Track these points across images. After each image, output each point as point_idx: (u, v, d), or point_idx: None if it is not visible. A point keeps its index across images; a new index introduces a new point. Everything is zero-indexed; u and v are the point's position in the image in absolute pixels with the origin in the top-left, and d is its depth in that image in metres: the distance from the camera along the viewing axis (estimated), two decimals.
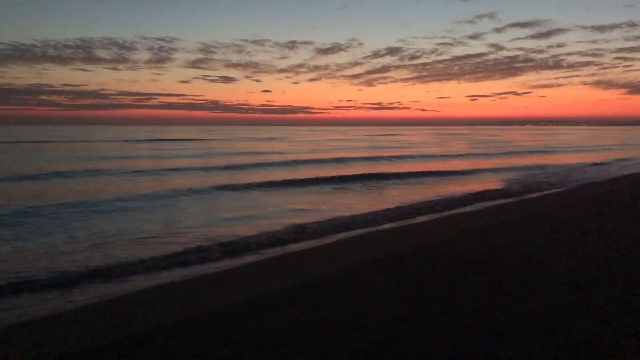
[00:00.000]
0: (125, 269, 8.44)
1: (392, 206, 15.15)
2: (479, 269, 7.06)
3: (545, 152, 47.94)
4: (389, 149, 49.42)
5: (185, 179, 23.09)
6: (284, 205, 15.79)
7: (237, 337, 5.01)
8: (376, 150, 48.07)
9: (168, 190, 18.31)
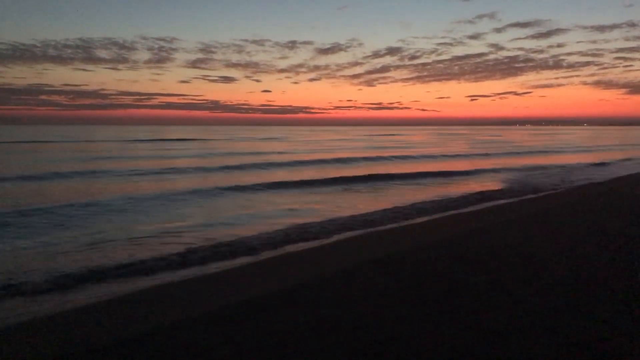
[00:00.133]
0: (125, 269, 8.43)
1: (392, 206, 15.14)
2: (479, 269, 7.06)
3: (546, 152, 47.90)
4: (390, 149, 49.32)
5: (186, 179, 23.09)
6: (288, 205, 15.79)
7: (237, 337, 5.01)
8: (378, 150, 47.93)
9: (170, 191, 18.30)
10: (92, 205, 14.97)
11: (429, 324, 5.06)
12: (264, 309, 5.84)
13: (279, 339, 4.86)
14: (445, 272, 7.04)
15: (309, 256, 9.39)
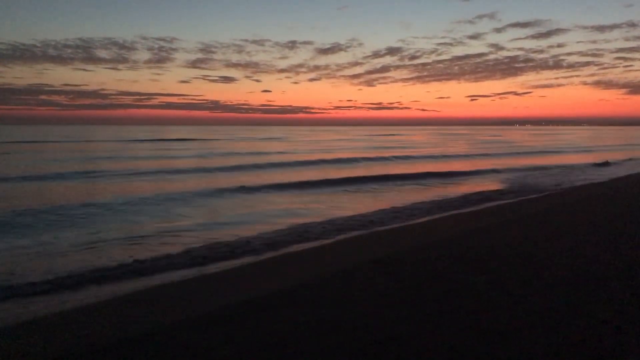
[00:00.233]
0: (125, 269, 8.43)
1: (392, 206, 15.14)
2: (479, 269, 7.06)
3: (546, 152, 47.85)
4: (391, 150, 49.22)
5: (188, 180, 23.10)
6: (288, 206, 15.79)
7: (237, 337, 5.01)
8: (379, 150, 47.83)
9: (172, 192, 18.31)
10: (92, 205, 14.97)
11: (429, 324, 5.06)
12: (264, 309, 5.84)
13: (279, 339, 4.86)
14: (445, 272, 7.03)
15: (309, 256, 9.39)
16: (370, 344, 4.63)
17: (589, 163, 33.01)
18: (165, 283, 7.79)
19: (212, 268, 8.64)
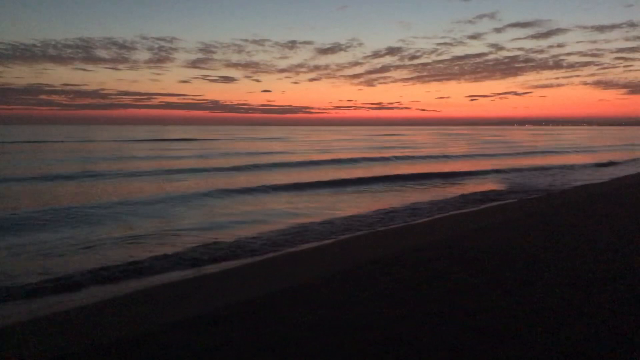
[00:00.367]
0: (125, 270, 8.44)
1: (393, 206, 15.14)
2: (479, 269, 7.06)
3: (548, 152, 47.78)
4: (393, 150, 49.12)
5: (191, 181, 23.12)
6: (289, 206, 15.80)
7: (237, 337, 5.01)
8: (381, 150, 47.70)
9: (180, 192, 18.32)
10: (92, 206, 14.98)
11: (429, 324, 5.05)
12: (264, 309, 5.84)
13: (279, 339, 4.86)
14: (445, 272, 7.03)
15: (309, 256, 9.40)
16: (370, 344, 4.63)
17: (591, 163, 33.01)
18: (165, 283, 7.79)
19: (212, 268, 8.65)
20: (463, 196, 17.51)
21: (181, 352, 4.70)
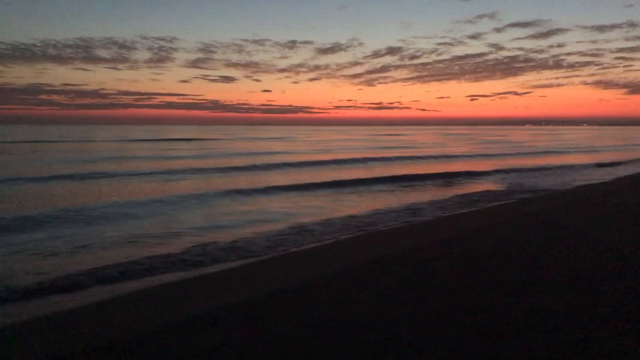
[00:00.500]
0: (125, 270, 8.44)
1: (393, 206, 15.15)
2: (479, 269, 7.06)
3: (550, 152, 47.68)
4: (394, 150, 48.99)
5: (192, 181, 23.13)
6: (290, 206, 15.79)
7: (237, 337, 5.01)
8: (383, 151, 47.61)
9: (178, 193, 18.30)
10: (92, 207, 14.99)
11: (429, 324, 5.05)
12: (264, 309, 5.85)
13: (279, 339, 4.87)
14: (445, 272, 7.03)
15: (309, 256, 9.40)
16: (370, 344, 4.63)
17: (591, 163, 32.99)
18: (165, 283, 7.79)
19: (212, 268, 8.65)
20: (463, 196, 17.51)
21: (181, 351, 4.70)
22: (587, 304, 5.46)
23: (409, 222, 12.78)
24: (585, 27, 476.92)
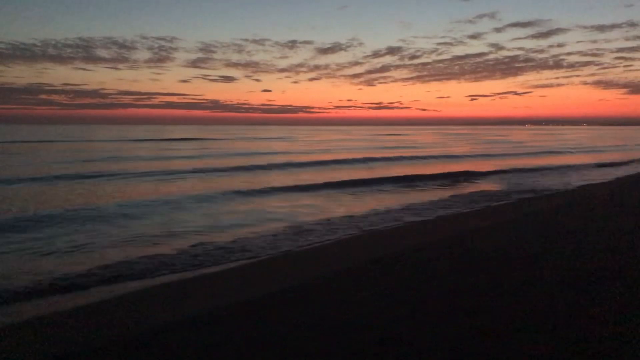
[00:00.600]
0: (125, 270, 8.44)
1: (392, 207, 15.15)
2: (479, 269, 7.06)
3: (549, 152, 47.63)
4: (396, 150, 48.94)
5: (193, 182, 23.13)
6: (290, 207, 15.79)
7: (237, 337, 5.01)
8: (384, 151, 47.58)
9: (178, 193, 18.29)
10: (92, 207, 15.00)
11: (429, 324, 5.05)
12: (264, 309, 5.85)
13: (279, 339, 4.87)
14: (445, 272, 7.03)
15: (309, 256, 9.40)
16: (370, 344, 4.63)
17: (592, 163, 32.96)
18: (165, 283, 7.80)
19: (212, 268, 8.65)
20: (463, 196, 17.52)
21: (181, 351, 4.71)
22: (587, 304, 5.45)
23: (409, 222, 12.78)
24: (585, 27, 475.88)
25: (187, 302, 6.67)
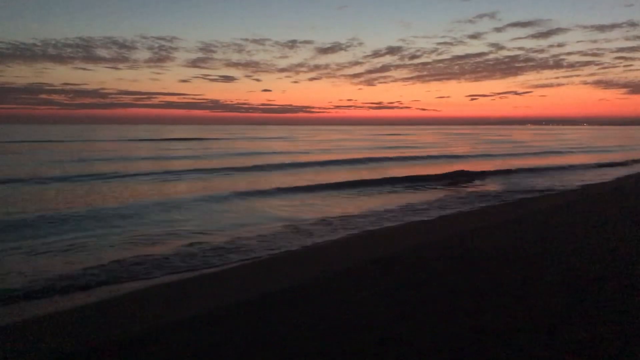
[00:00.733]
0: (125, 270, 8.45)
1: (392, 207, 15.15)
2: (479, 269, 7.06)
3: (549, 152, 47.54)
4: (399, 150, 48.85)
5: (194, 182, 23.12)
6: (291, 207, 15.79)
7: (237, 337, 5.01)
8: (385, 151, 47.55)
9: (179, 193, 18.28)
10: (92, 208, 15.01)
11: (429, 324, 5.05)
12: (264, 309, 5.85)
13: (279, 339, 4.87)
14: (445, 272, 7.03)
15: (309, 256, 9.40)
16: (370, 344, 4.63)
17: (593, 163, 32.93)
18: (165, 283, 7.80)
19: (212, 268, 8.65)
20: (463, 196, 17.51)
21: (181, 351, 4.71)
22: (587, 304, 5.45)
23: (409, 222, 12.78)
24: (585, 27, 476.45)
25: (187, 302, 6.67)
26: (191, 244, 10.21)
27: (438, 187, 20.68)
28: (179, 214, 14.00)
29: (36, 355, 4.97)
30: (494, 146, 59.42)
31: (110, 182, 21.62)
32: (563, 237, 9.11)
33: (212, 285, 7.65)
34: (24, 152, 42.16)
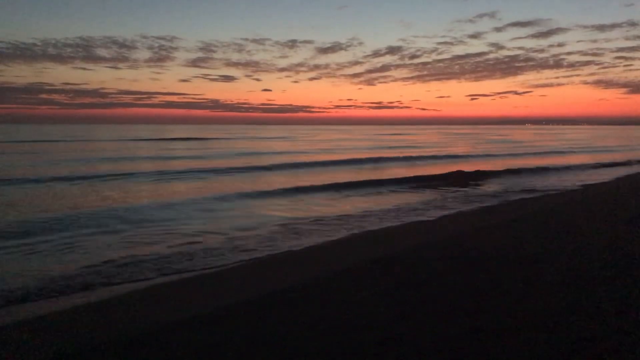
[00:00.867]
0: (125, 270, 8.45)
1: (391, 207, 15.15)
2: (479, 269, 7.06)
3: (550, 152, 47.51)
4: (400, 149, 48.77)
5: (194, 182, 23.11)
6: (291, 207, 15.79)
7: (237, 337, 5.01)
8: (386, 150, 47.53)
9: (179, 194, 18.27)
10: (91, 208, 15.01)
11: (429, 324, 5.06)
12: (264, 309, 5.85)
13: (279, 339, 4.87)
14: (445, 272, 7.03)
15: (309, 256, 9.40)
16: (370, 344, 4.63)
17: (592, 163, 32.92)
18: (165, 283, 7.80)
19: (212, 268, 8.65)
20: (463, 196, 17.51)
21: (181, 351, 4.71)
22: (587, 304, 5.46)
23: (409, 222, 12.77)
24: (585, 27, 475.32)
25: (187, 302, 6.66)
26: (191, 244, 10.21)
27: (438, 187, 20.68)
28: (178, 214, 14.00)
29: (36, 356, 4.97)
30: (494, 146, 59.41)
31: (110, 182, 21.62)
32: (563, 237, 9.11)
33: (212, 285, 7.65)
34: (25, 152, 42.18)
